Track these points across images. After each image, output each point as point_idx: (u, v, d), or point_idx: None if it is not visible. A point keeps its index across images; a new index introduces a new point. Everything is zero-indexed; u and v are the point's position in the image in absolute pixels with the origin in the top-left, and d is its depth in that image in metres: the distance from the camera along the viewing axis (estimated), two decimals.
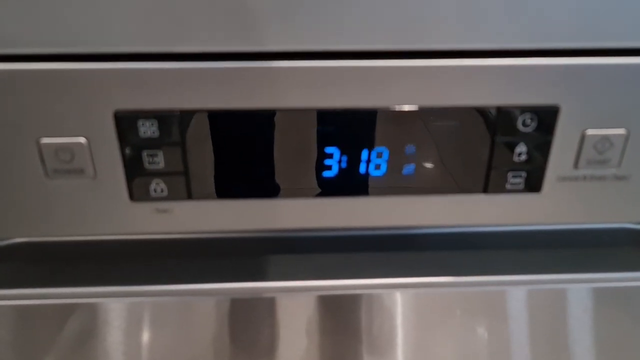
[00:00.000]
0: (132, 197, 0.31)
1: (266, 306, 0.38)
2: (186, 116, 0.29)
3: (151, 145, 0.30)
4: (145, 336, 0.39)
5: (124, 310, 0.38)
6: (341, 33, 0.28)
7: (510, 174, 0.32)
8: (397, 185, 0.32)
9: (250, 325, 0.39)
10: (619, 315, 0.40)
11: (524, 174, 0.32)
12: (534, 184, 0.33)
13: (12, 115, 0.29)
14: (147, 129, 0.29)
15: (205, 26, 0.27)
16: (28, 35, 0.27)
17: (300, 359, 0.40)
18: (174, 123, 0.29)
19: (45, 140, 0.30)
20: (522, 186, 0.33)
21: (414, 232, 0.42)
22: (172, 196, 0.31)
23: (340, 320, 0.39)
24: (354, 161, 0.31)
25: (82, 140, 0.30)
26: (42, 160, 0.30)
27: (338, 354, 0.40)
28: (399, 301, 0.39)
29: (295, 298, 0.38)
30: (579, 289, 0.39)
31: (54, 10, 0.26)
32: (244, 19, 0.27)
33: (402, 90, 0.29)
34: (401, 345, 0.40)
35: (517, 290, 0.39)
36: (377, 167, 0.32)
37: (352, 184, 0.32)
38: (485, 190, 0.33)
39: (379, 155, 0.31)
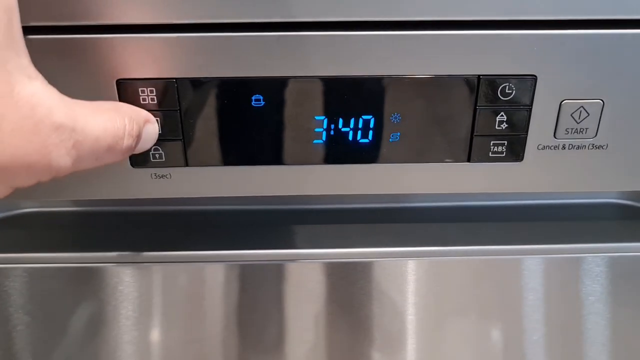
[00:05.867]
0: (133, 163, 0.33)
1: (273, 274, 0.40)
2: (182, 84, 0.31)
3: (150, 112, 0.32)
4: (154, 303, 0.41)
5: (134, 276, 0.40)
6: (328, 4, 0.29)
7: (492, 143, 0.34)
8: (384, 153, 0.34)
9: (258, 293, 0.40)
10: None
11: (505, 142, 0.34)
12: (515, 153, 0.34)
13: None
14: (147, 97, 0.31)
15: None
16: (35, 8, 0.29)
17: (309, 330, 0.42)
18: (171, 91, 0.31)
19: None
20: (504, 155, 0.34)
21: (412, 206, 0.44)
22: (169, 162, 0.33)
23: (350, 290, 0.41)
24: (340, 130, 0.33)
25: None
26: None
27: (347, 327, 0.42)
28: (413, 271, 0.41)
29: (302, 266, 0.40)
30: (590, 258, 0.41)
31: None
32: None
33: (386, 60, 0.31)
34: (414, 316, 0.42)
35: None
36: (364, 135, 0.33)
37: (338, 151, 0.34)
38: (469, 158, 0.34)
39: (365, 123, 0.33)
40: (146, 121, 0.30)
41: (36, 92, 0.24)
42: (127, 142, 0.28)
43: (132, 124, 0.28)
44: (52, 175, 0.25)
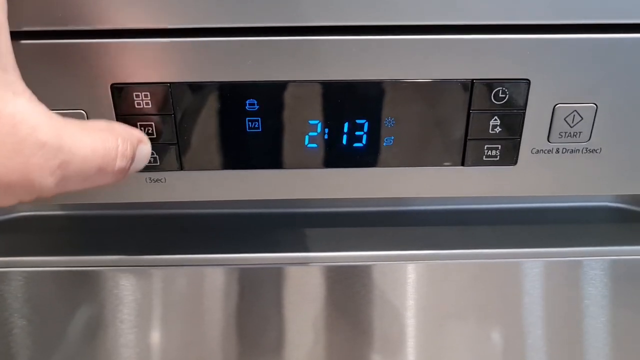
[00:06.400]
0: None
1: (270, 277, 0.40)
2: (177, 89, 0.31)
3: (144, 117, 0.32)
4: (151, 306, 0.41)
5: (131, 280, 0.40)
6: (321, 9, 0.30)
7: (486, 147, 0.34)
8: (378, 157, 0.34)
9: (256, 297, 0.40)
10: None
11: (499, 146, 0.34)
12: (509, 157, 0.34)
13: None
14: (141, 101, 0.31)
15: (193, 4, 0.29)
16: (30, 13, 0.29)
17: (307, 333, 0.42)
18: (166, 96, 0.31)
19: None
20: (498, 158, 0.34)
21: (411, 209, 0.44)
22: (164, 166, 0.34)
23: (348, 294, 0.41)
24: (335, 133, 0.33)
25: (81, 112, 0.32)
26: None
27: (345, 330, 0.42)
28: (412, 274, 0.41)
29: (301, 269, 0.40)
30: (591, 262, 0.41)
31: None
32: None
33: (379, 64, 0.31)
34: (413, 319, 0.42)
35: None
36: (357, 139, 0.33)
37: (332, 155, 0.34)
38: (463, 162, 0.35)
39: (359, 127, 0.33)
40: (139, 141, 0.29)
41: (20, 109, 0.23)
42: (120, 163, 0.26)
43: (126, 144, 0.27)
44: (34, 196, 0.24)
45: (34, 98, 0.24)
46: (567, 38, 0.31)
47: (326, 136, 0.33)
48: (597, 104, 0.33)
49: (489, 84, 0.32)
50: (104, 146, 0.26)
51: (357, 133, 0.33)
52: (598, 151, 0.34)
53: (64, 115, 0.31)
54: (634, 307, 0.42)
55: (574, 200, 0.44)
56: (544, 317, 0.42)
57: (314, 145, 0.34)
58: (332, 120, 0.33)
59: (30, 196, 0.24)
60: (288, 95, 0.32)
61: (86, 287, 0.40)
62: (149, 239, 0.42)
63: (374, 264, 0.40)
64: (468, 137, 0.34)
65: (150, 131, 0.32)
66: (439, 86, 0.32)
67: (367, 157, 0.34)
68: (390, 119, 0.33)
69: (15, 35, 0.28)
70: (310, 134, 0.33)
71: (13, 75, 0.24)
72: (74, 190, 0.25)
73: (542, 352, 0.43)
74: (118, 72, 0.31)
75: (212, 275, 0.40)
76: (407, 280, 0.41)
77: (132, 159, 0.28)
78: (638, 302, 0.42)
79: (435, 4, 0.30)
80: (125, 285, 0.40)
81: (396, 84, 0.32)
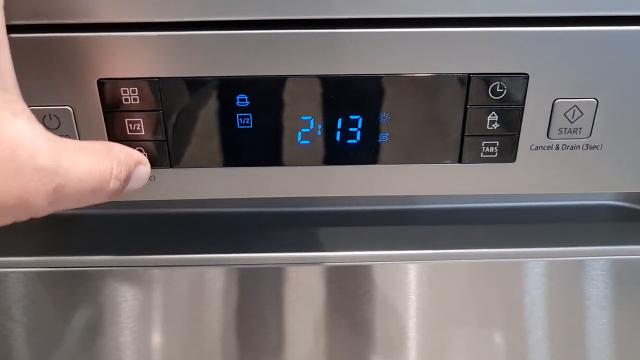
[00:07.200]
0: None
1: (270, 277, 0.40)
2: (166, 84, 0.31)
3: (133, 113, 0.31)
4: (150, 306, 0.40)
5: (129, 279, 0.40)
6: (313, 1, 0.29)
7: (484, 144, 0.33)
8: (373, 154, 0.33)
9: (255, 297, 0.40)
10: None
11: (497, 143, 0.33)
12: (507, 153, 0.33)
13: None
14: (129, 97, 0.31)
15: None
16: (15, 6, 0.28)
17: (307, 333, 0.41)
18: (154, 91, 0.31)
19: (34, 108, 0.31)
20: (496, 155, 0.33)
21: (411, 208, 0.44)
22: (153, 164, 0.33)
23: (349, 294, 0.40)
24: (328, 130, 0.32)
25: (67, 108, 0.31)
26: None
27: (346, 331, 0.41)
28: (412, 274, 0.40)
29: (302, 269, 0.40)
30: (592, 262, 0.40)
31: None
32: None
33: (373, 58, 0.30)
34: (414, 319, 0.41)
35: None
36: (351, 135, 0.32)
37: (325, 152, 0.33)
38: (460, 159, 0.34)
39: (353, 123, 0.32)
40: (137, 163, 0.29)
41: (21, 132, 0.23)
42: (113, 185, 0.27)
43: (121, 167, 0.27)
44: (28, 216, 0.24)
45: (32, 117, 0.24)
46: (567, 31, 0.30)
47: (319, 132, 0.32)
48: (598, 99, 0.32)
49: (487, 79, 0.31)
50: (99, 168, 0.26)
51: (351, 129, 0.32)
52: (599, 147, 0.33)
53: (50, 111, 0.31)
54: (636, 307, 0.41)
55: (575, 199, 0.44)
56: (545, 318, 0.42)
57: (307, 142, 0.33)
58: (325, 116, 0.32)
59: (24, 216, 0.24)
60: (279, 91, 0.31)
61: (82, 288, 0.40)
62: (146, 239, 0.41)
63: (373, 264, 0.39)
64: (465, 134, 0.33)
65: (138, 127, 0.32)
66: (435, 81, 0.31)
67: (362, 154, 0.33)
68: (385, 114, 0.32)
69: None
70: (303, 130, 0.32)
71: (13, 94, 0.24)
72: (65, 209, 0.26)
73: (543, 352, 0.43)
74: (105, 67, 0.30)
75: (210, 275, 0.40)
76: (407, 280, 0.40)
77: (127, 180, 0.28)
78: None
79: None
80: (122, 285, 0.40)
81: (391, 78, 0.31)
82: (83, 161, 0.25)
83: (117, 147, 0.28)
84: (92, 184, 0.25)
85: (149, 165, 0.30)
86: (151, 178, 0.33)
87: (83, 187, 0.25)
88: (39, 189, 0.23)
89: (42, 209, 0.24)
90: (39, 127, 0.24)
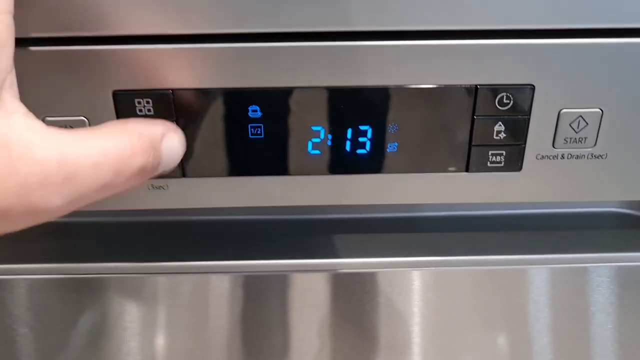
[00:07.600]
0: None
1: (276, 284, 0.40)
2: (179, 95, 0.31)
3: None
4: (155, 314, 0.41)
5: (134, 287, 0.40)
6: (323, 15, 0.29)
7: (490, 153, 0.34)
8: (382, 164, 0.34)
9: (260, 304, 0.40)
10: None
11: (504, 152, 0.34)
12: (514, 163, 0.34)
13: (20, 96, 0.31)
14: (143, 108, 0.31)
15: (197, 9, 0.29)
16: (32, 20, 0.29)
17: (313, 340, 0.42)
18: (167, 102, 0.31)
19: (50, 119, 0.32)
20: (502, 164, 0.34)
21: (416, 215, 0.44)
22: (166, 173, 0.33)
23: (354, 301, 0.41)
24: (338, 140, 0.33)
25: (83, 119, 0.32)
26: None
27: (351, 337, 0.42)
28: (417, 281, 0.41)
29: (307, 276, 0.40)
30: (597, 268, 0.40)
31: None
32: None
33: (382, 70, 0.31)
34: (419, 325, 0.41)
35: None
36: (361, 145, 0.33)
37: (335, 162, 0.34)
38: (467, 169, 0.34)
39: (362, 133, 0.33)
40: (163, 134, 0.26)
41: (13, 127, 0.21)
42: (140, 160, 0.24)
43: (143, 139, 0.24)
44: (40, 219, 0.22)
45: (30, 114, 0.22)
46: (572, 43, 0.31)
47: (329, 142, 0.33)
48: (603, 109, 0.32)
49: (494, 90, 0.32)
50: (115, 146, 0.23)
51: (361, 139, 0.33)
52: (604, 157, 0.34)
53: (66, 122, 0.32)
54: None
55: (580, 206, 0.44)
56: (550, 324, 0.42)
57: (317, 151, 0.33)
58: (335, 127, 0.33)
59: (34, 220, 0.22)
60: (291, 102, 0.32)
61: (89, 295, 0.40)
62: (152, 246, 0.41)
63: (379, 271, 0.40)
64: (472, 143, 0.33)
65: None
66: (443, 92, 0.32)
67: (371, 164, 0.34)
68: (394, 125, 0.33)
69: (18, 42, 0.28)
70: (313, 140, 0.33)
71: (8, 92, 0.22)
72: (94, 203, 0.23)
73: (549, 359, 0.43)
74: (120, 79, 0.31)
75: (217, 282, 0.40)
76: (414, 286, 0.41)
77: (156, 153, 0.25)
78: None
79: (438, 9, 0.29)
80: (128, 292, 0.40)
81: (400, 89, 0.32)
82: (93, 143, 0.23)
83: (134, 121, 0.25)
84: (111, 166, 0.23)
85: (180, 132, 0.27)
86: (164, 187, 0.34)
87: (102, 172, 0.22)
88: (44, 184, 0.21)
89: (55, 208, 0.21)
90: (37, 122, 0.22)
